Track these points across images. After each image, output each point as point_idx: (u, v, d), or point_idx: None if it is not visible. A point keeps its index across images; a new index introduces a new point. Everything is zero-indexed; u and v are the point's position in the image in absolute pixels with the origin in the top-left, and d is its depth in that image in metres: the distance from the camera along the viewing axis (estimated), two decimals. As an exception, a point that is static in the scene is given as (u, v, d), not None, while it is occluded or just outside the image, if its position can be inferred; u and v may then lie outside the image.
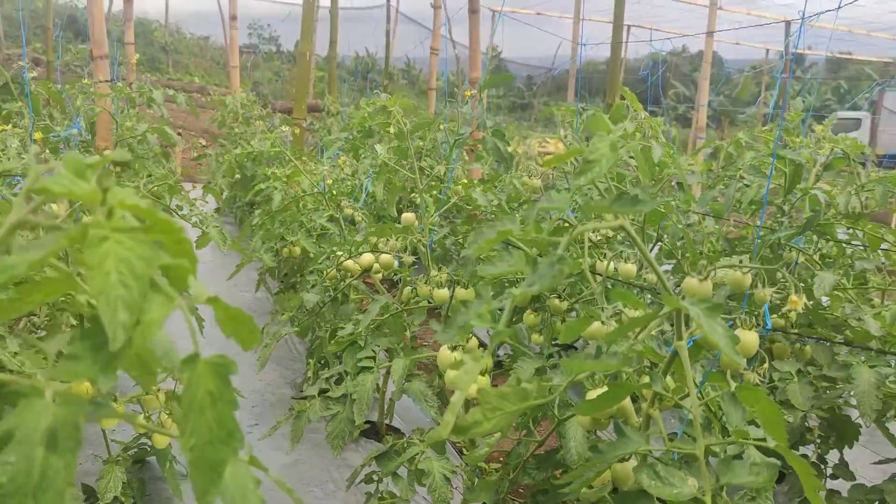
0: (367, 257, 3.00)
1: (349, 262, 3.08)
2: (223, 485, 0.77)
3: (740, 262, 1.36)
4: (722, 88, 26.04)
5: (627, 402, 1.50)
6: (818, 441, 2.69)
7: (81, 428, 0.71)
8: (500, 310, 1.21)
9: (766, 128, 2.78)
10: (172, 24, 29.08)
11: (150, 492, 2.46)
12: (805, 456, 2.69)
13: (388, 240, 2.41)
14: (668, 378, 1.48)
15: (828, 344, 2.47)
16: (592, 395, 1.49)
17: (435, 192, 2.39)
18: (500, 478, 1.90)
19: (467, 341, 2.10)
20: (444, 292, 2.10)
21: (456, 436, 1.06)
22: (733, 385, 1.16)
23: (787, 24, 11.53)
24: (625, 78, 13.43)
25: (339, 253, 3.07)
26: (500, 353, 3.41)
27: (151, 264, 0.68)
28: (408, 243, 2.16)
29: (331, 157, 4.41)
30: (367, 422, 3.18)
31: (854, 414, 2.72)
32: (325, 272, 2.94)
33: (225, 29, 17.47)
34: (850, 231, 2.68)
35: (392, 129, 2.20)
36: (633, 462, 1.49)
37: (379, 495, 2.21)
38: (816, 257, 2.70)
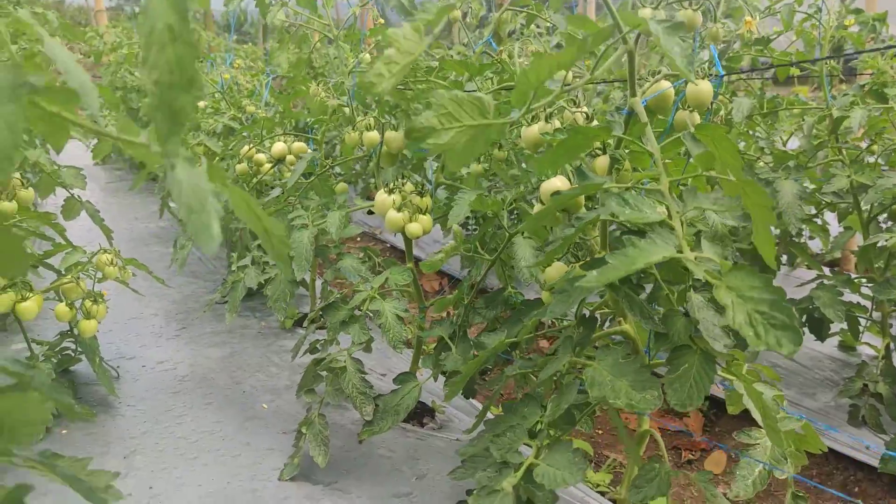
0: (279, 146, 2.87)
1: (259, 155, 2.95)
2: (181, 186, 0.70)
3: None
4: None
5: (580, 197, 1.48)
6: (742, 273, 2.78)
7: (23, 91, 0.63)
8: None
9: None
10: (24, -16, 27.00)
11: (81, 395, 2.32)
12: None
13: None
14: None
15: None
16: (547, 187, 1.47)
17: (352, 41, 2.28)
18: (456, 296, 1.87)
19: (403, 185, 2.05)
20: (374, 134, 2.02)
21: (409, 140, 1.00)
22: (693, 80, 1.14)
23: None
24: None
25: (245, 147, 2.93)
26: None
27: None
28: (330, 89, 2.06)
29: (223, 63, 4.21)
30: (300, 313, 3.11)
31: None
32: (237, 155, 2.81)
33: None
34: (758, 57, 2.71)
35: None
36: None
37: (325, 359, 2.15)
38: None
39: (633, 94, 1.27)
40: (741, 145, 2.65)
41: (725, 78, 2.59)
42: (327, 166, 2.23)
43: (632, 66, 1.23)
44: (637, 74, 1.25)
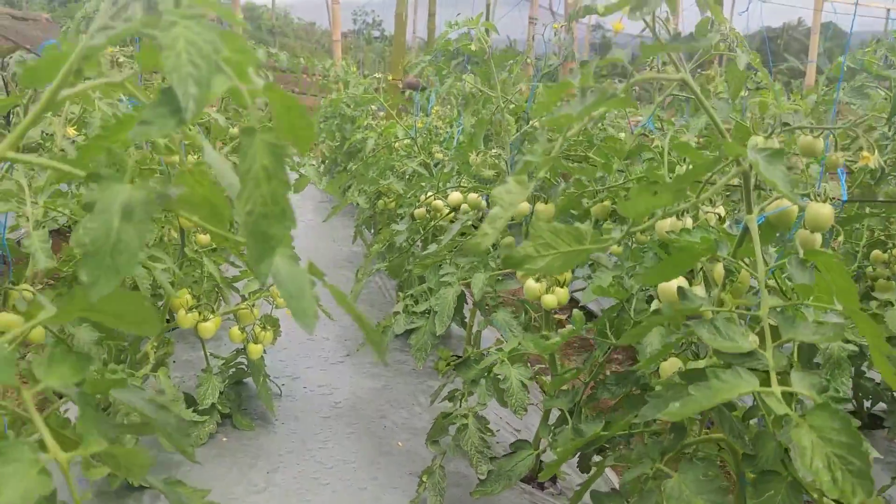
0: (456, 196, 3.05)
1: (437, 202, 3.14)
2: (280, 277, 0.83)
3: (811, 123, 1.33)
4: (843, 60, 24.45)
5: (699, 289, 1.49)
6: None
7: (153, 206, 0.78)
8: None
9: (868, 48, 2.65)
10: (280, 9, 30.18)
11: (246, 406, 2.60)
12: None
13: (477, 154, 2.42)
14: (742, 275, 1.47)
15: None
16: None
17: (518, 114, 2.41)
18: (572, 374, 1.92)
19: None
20: (524, 206, 2.12)
21: (506, 267, 1.08)
22: (797, 202, 1.13)
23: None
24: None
25: (428, 192, 3.14)
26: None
27: (216, 48, 0.75)
28: (488, 157, 2.19)
29: (424, 109, 4.49)
30: (454, 356, 3.26)
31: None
32: (415, 203, 3.02)
33: (328, 5, 17.85)
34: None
35: (473, 48, 2.23)
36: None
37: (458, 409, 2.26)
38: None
39: (749, 211, 1.28)
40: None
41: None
42: (482, 228, 2.36)
43: (747, 185, 1.25)
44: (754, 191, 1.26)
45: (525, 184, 1.01)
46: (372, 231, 4.95)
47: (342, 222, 6.30)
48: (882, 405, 2.98)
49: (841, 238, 1.35)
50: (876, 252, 2.59)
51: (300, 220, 6.60)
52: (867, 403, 3.05)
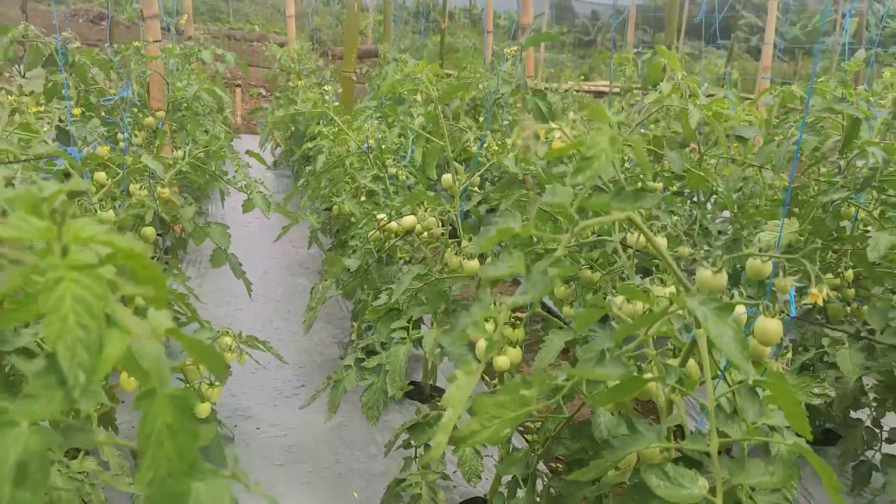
0: (410, 219, 2.97)
1: (391, 224, 3.07)
2: None
3: (759, 250, 1.29)
4: (798, 18, 24.57)
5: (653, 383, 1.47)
6: (874, 405, 2.64)
7: (49, 461, 0.72)
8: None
9: (821, 79, 2.62)
10: (232, -27, 29.29)
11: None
12: (859, 420, 2.65)
13: (424, 209, 2.38)
14: (692, 363, 1.44)
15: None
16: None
17: (470, 157, 2.34)
18: (526, 452, 1.89)
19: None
20: (474, 264, 2.06)
21: (453, 446, 1.05)
22: (751, 375, 1.10)
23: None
24: (690, 11, 12.80)
25: (381, 216, 3.07)
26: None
27: (107, 301, 0.68)
28: (437, 214, 2.13)
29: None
30: (411, 383, 3.22)
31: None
32: (367, 235, 2.95)
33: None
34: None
35: (419, 98, 2.16)
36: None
37: (416, 460, 2.24)
38: (876, 215, 2.58)
39: (699, 326, 1.25)
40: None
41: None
42: (434, 277, 2.30)
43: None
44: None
45: (473, 373, 0.95)
46: (328, 236, 4.86)
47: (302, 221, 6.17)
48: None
49: (789, 355, 1.31)
50: (827, 277, 2.60)
51: (257, 218, 6.46)
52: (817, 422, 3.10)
